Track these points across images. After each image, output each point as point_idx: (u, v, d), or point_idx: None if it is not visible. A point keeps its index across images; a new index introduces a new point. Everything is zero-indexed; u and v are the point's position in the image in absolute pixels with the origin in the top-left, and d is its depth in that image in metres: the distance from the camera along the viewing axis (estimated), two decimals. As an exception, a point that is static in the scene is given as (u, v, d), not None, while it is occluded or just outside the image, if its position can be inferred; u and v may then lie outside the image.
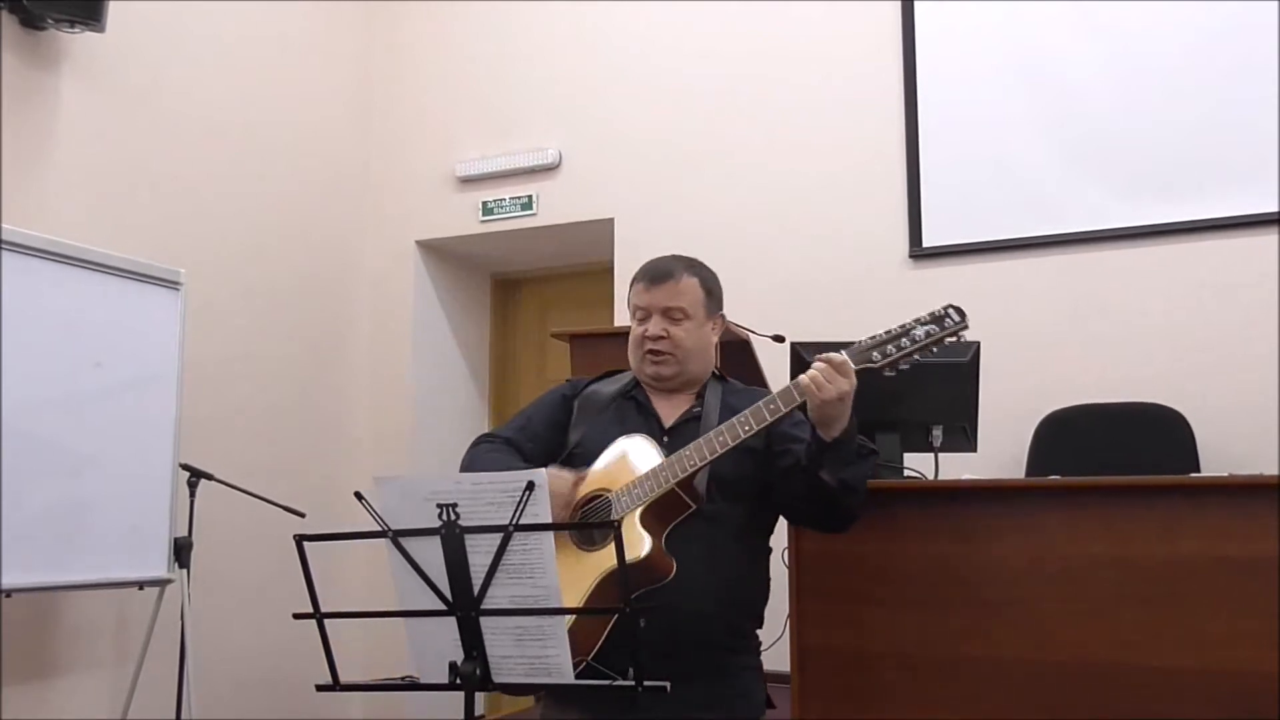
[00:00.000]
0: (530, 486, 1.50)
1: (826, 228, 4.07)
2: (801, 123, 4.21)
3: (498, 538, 1.51)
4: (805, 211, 4.14)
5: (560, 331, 3.63)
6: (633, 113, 4.51)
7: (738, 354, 2.71)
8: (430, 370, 4.93)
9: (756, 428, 2.00)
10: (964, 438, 2.59)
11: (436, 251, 4.99)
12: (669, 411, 2.21)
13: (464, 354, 5.16)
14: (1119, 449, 3.32)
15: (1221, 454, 3.26)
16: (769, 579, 2.21)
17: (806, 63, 4.23)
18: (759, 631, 2.21)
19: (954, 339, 2.03)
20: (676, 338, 2.19)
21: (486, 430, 2.53)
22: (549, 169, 4.65)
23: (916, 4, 4.05)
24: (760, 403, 2.02)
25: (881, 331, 2.04)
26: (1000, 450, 3.34)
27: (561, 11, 4.71)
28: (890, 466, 2.49)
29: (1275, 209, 3.46)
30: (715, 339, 2.28)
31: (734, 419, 2.03)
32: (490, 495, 1.52)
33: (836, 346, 2.45)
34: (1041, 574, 2.18)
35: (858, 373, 1.99)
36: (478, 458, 2.23)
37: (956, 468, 2.60)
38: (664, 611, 1.84)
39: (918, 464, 2.58)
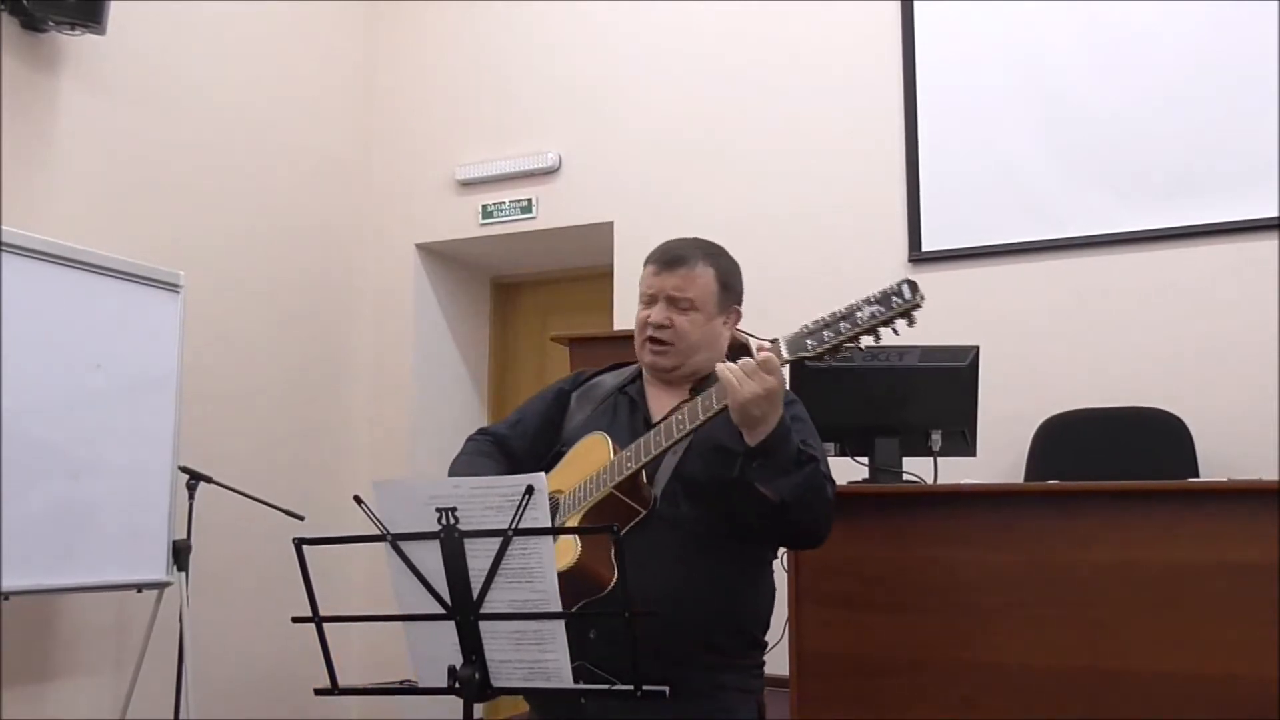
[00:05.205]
0: (530, 491, 1.49)
1: (826, 231, 4.07)
2: (801, 126, 4.21)
3: (497, 542, 1.51)
4: (804, 215, 4.14)
5: (560, 335, 3.64)
6: (633, 116, 4.52)
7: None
8: (430, 374, 4.93)
9: (691, 426, 1.80)
10: (963, 442, 2.59)
11: (436, 255, 4.99)
12: (660, 407, 2.02)
13: (464, 358, 5.16)
14: (1118, 454, 3.32)
15: (1221, 459, 3.26)
16: (767, 590, 2.02)
17: (806, 67, 4.23)
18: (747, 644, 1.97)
19: (905, 319, 1.73)
20: (680, 329, 1.99)
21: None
22: (549, 172, 4.65)
23: (917, 6, 4.05)
24: (698, 398, 1.82)
25: (825, 314, 1.77)
26: (999, 455, 3.33)
27: (562, 15, 4.71)
28: (890, 471, 2.49)
29: (1275, 214, 3.46)
30: (728, 333, 2.06)
31: (671, 416, 1.84)
32: (489, 499, 1.51)
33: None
34: (1041, 578, 2.18)
35: (793, 363, 1.74)
36: (460, 460, 2.11)
37: (956, 472, 2.60)
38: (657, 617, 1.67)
39: (917, 468, 2.58)
